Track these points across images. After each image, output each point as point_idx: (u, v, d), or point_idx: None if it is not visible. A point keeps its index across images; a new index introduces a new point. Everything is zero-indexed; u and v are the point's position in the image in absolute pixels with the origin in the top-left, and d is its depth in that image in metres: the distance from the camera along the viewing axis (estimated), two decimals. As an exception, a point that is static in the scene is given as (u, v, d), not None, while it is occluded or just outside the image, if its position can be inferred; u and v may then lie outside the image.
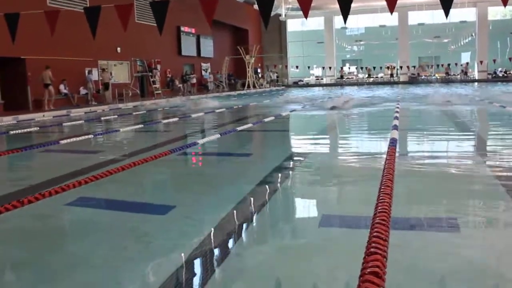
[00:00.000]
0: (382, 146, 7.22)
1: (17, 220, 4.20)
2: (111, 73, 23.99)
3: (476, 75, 43.45)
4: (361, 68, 48.06)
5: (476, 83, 38.29)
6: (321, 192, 5.01)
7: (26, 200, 4.36)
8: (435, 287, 2.71)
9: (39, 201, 4.43)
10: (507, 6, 7.79)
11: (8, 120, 14.99)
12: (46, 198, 4.56)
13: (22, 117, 15.97)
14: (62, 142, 9.08)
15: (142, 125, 12.57)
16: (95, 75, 23.38)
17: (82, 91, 22.52)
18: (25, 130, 12.16)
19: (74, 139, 9.55)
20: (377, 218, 2.98)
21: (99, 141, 9.98)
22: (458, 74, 43.38)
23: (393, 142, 6.80)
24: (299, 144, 8.74)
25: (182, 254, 3.27)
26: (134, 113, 17.25)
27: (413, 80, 43.24)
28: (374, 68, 45.96)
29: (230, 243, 3.56)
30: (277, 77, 45.58)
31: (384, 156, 5.74)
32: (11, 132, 11.68)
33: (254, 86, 38.58)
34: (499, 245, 3.28)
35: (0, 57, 18.27)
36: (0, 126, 13.51)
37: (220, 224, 3.87)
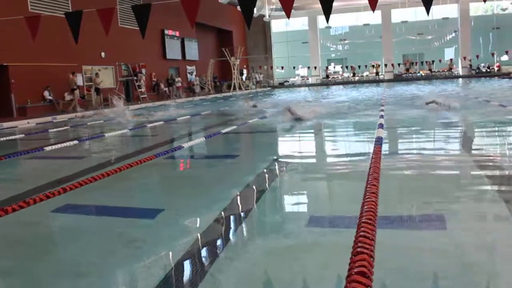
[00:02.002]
0: (368, 145, 7.24)
1: (2, 228, 4.16)
2: (95, 77, 23.84)
3: (460, 71, 43.83)
4: (346, 67, 48.28)
5: (460, 79, 38.55)
6: (308, 193, 5.03)
7: (10, 208, 4.31)
8: (423, 285, 2.73)
9: (25, 209, 4.39)
10: (488, 2, 7.84)
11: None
12: (31, 205, 4.52)
13: (6, 124, 15.81)
14: (47, 148, 9.00)
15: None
16: (79, 80, 23.21)
17: (67, 97, 22.35)
18: (9, 137, 12.04)
19: (59, 145, 9.48)
20: (364, 218, 2.99)
21: (83, 147, 9.92)
22: (442, 71, 43.70)
23: (378, 141, 6.84)
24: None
25: (172, 259, 3.26)
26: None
27: (398, 78, 43.51)
28: (359, 66, 46.16)
29: (219, 245, 3.56)
30: (263, 78, 45.60)
31: (370, 155, 5.78)
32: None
33: (240, 88, 38.57)
34: (486, 242, 3.31)
35: (-18, 65, 18.11)
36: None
37: (208, 228, 3.87)
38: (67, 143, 9.71)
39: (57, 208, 4.64)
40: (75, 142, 10.01)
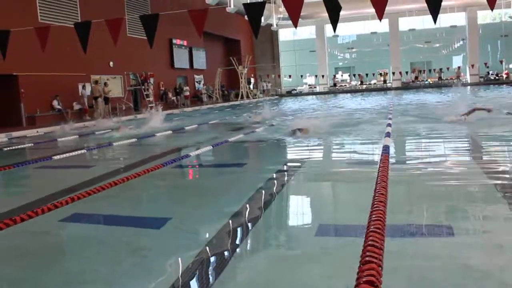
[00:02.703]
0: (375, 154, 7.21)
1: (11, 238, 4.17)
2: (104, 86, 23.96)
3: (468, 79, 43.67)
4: (354, 75, 48.25)
5: (469, 87, 38.36)
6: (317, 202, 5.01)
7: (18, 218, 4.33)
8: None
9: (33, 219, 4.40)
10: (496, 10, 7.83)
11: (1, 137, 14.93)
12: (39, 215, 4.53)
13: (15, 133, 15.91)
14: (55, 157, 9.05)
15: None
16: (88, 90, 23.37)
17: (76, 106, 22.48)
18: (19, 146, 12.11)
19: (68, 154, 9.52)
20: (372, 227, 2.97)
21: (90, 156, 9.96)
22: (450, 79, 43.53)
23: (386, 149, 6.81)
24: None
25: (179, 267, 3.25)
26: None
27: (406, 86, 43.40)
28: (366, 75, 46.13)
29: (227, 255, 3.54)
30: (271, 86, 45.64)
31: (378, 163, 5.75)
32: (4, 149, 11.64)
33: (248, 97, 38.63)
34: (495, 250, 3.28)
35: (-8, 75, 18.27)
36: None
37: (214, 237, 3.86)
38: (75, 152, 9.75)
39: (65, 218, 4.65)
40: (83, 151, 10.05)
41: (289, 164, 7.04)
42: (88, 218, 4.78)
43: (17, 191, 6.92)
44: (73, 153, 9.66)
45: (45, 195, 5.69)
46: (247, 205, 4.88)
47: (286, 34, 48.52)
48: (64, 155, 9.41)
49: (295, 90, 47.47)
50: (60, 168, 8.40)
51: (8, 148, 11.83)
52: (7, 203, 5.43)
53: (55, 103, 21.36)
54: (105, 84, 23.88)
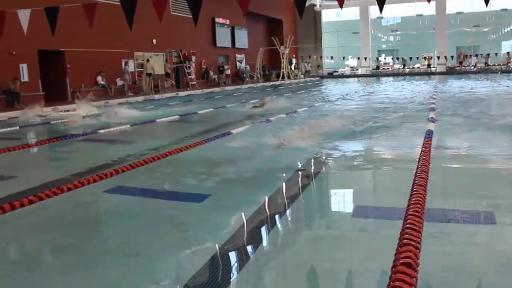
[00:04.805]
0: (417, 138, 7.10)
1: (57, 207, 4.34)
2: (146, 63, 24.29)
3: (517, 66, 42.13)
4: (397, 58, 47.26)
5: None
6: (355, 183, 5.00)
7: (65, 188, 4.51)
8: (469, 280, 2.69)
9: (79, 189, 4.57)
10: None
11: (48, 110, 15.38)
12: (85, 186, 4.71)
13: (61, 107, 16.35)
14: (101, 131, 9.30)
15: None
16: (131, 66, 23.78)
17: (119, 82, 22.91)
18: (64, 120, 12.46)
19: (112, 129, 9.77)
20: (411, 210, 2.97)
21: (134, 131, 10.17)
22: (498, 65, 42.04)
23: (429, 134, 6.72)
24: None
25: (217, 243, 3.31)
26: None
27: (452, 71, 42.24)
28: (410, 58, 45.06)
29: (264, 233, 3.60)
30: (311, 67, 45.22)
31: (420, 148, 5.69)
32: (52, 122, 12.01)
33: (289, 77, 38.44)
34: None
35: (40, 50, 18.75)
36: (41, 116, 13.86)
37: (254, 214, 3.92)
38: (120, 127, 9.99)
39: (109, 189, 4.81)
40: (128, 126, 10.28)
41: (329, 146, 7.01)
42: (131, 190, 4.91)
43: (64, 162, 7.16)
44: (118, 128, 9.90)
45: (89, 167, 5.87)
46: (286, 185, 4.91)
47: (329, 15, 47.82)
48: (109, 130, 9.66)
49: (337, 72, 46.89)
50: (105, 142, 8.65)
51: (55, 122, 12.19)
52: (54, 173, 5.63)
53: (99, 79, 21.82)
54: (148, 61, 24.22)
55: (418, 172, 3.97)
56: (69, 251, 3.35)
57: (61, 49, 19.67)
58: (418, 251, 2.42)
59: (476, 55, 42.77)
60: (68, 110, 15.26)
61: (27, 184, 4.99)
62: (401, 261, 2.25)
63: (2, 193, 4.59)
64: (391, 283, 2.10)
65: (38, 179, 5.26)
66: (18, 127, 10.60)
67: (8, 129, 10.23)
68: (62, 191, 4.44)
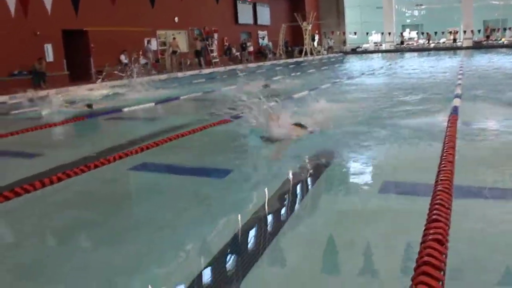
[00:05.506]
0: (443, 114, 6.97)
1: (85, 183, 4.41)
2: (172, 41, 24.31)
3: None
4: (422, 33, 46.33)
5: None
6: (381, 159, 4.94)
7: (92, 165, 4.56)
8: (499, 256, 2.64)
9: (105, 166, 4.63)
10: None
11: (73, 89, 15.53)
12: (111, 163, 4.76)
13: (85, 86, 16.50)
14: (125, 110, 9.37)
15: None
16: (153, 45, 23.82)
17: (142, 60, 22.99)
18: (90, 98, 12.57)
19: (136, 107, 9.83)
20: (440, 186, 2.93)
21: (158, 109, 10.23)
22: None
23: (455, 110, 6.61)
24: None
25: (242, 217, 3.33)
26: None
27: (478, 46, 41.23)
28: (435, 33, 44.12)
29: (289, 206, 3.60)
30: (334, 43, 44.66)
31: (446, 123, 5.59)
32: (76, 101, 12.13)
33: (312, 53, 38.07)
34: None
35: (64, 30, 18.88)
36: (66, 95, 14.00)
37: (278, 189, 3.91)
38: (144, 105, 10.05)
39: (134, 166, 4.85)
40: (152, 104, 10.34)
41: (355, 121, 6.92)
42: (156, 167, 4.95)
43: (89, 140, 7.24)
44: (142, 106, 9.97)
45: (115, 145, 5.93)
46: (311, 160, 4.89)
47: (352, -10, 47.02)
48: (133, 107, 9.72)
49: (360, 47, 46.21)
50: (129, 120, 8.71)
51: (79, 101, 12.31)
52: (81, 151, 5.68)
53: (122, 57, 21.91)
54: (174, 39, 24.29)
55: (446, 148, 3.91)
56: (96, 227, 3.40)
57: (85, 29, 19.77)
58: (447, 227, 2.39)
59: (504, 29, 41.62)
60: (92, 89, 15.40)
61: (55, 162, 5.06)
62: (431, 237, 2.22)
63: (31, 171, 4.67)
64: (421, 258, 2.08)
65: (65, 157, 5.33)
66: (44, 106, 10.72)
67: (34, 108, 10.35)
68: (89, 169, 4.50)
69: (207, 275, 2.57)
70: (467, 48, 40.62)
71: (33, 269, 2.81)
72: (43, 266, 2.83)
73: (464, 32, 42.52)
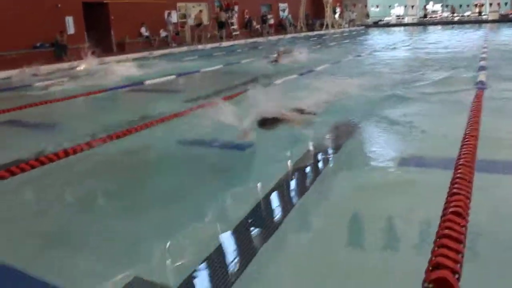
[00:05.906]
0: (468, 88, 6.86)
1: (107, 154, 4.47)
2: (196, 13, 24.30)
3: None
4: (446, 6, 45.26)
5: None
6: (402, 132, 4.90)
7: (114, 136, 4.62)
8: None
9: (127, 137, 4.68)
10: None
11: (94, 62, 15.60)
12: (132, 134, 4.81)
13: (107, 59, 16.57)
14: (147, 82, 9.41)
15: None
16: (174, 17, 23.75)
17: (162, 33, 22.95)
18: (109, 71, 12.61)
19: (157, 80, 9.86)
20: (462, 160, 2.91)
21: (179, 82, 10.25)
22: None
23: (480, 85, 6.50)
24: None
25: (262, 189, 3.36)
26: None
27: (505, 19, 40.15)
28: (460, 6, 43.11)
29: (309, 179, 3.61)
30: (356, 16, 43.95)
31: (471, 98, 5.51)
32: (98, 74, 12.19)
33: (333, 26, 37.55)
34: None
35: (85, 3, 18.92)
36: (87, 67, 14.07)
37: (298, 161, 3.93)
38: (165, 78, 10.08)
39: (155, 138, 4.89)
40: (173, 76, 10.37)
41: (376, 94, 6.84)
42: (176, 139, 4.96)
43: (111, 112, 7.30)
44: (163, 78, 10.00)
45: (136, 117, 5.95)
46: (330, 132, 4.88)
47: (376, -39, 46.01)
48: (154, 80, 9.76)
49: (382, 20, 45.39)
50: (151, 92, 8.76)
51: (100, 73, 12.37)
52: (102, 122, 5.74)
53: (142, 30, 21.90)
54: (200, 11, 24.29)
55: (470, 122, 3.86)
56: (118, 197, 3.46)
57: (105, 1, 19.79)
58: (468, 200, 2.38)
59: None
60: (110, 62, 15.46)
61: (75, 133, 5.11)
62: (451, 210, 2.22)
63: (53, 142, 4.73)
64: (440, 230, 2.08)
65: (87, 128, 5.38)
66: (66, 78, 10.81)
67: (57, 80, 10.45)
68: (111, 139, 4.56)
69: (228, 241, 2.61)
70: (493, 21, 39.58)
71: (59, 236, 2.88)
72: (68, 233, 2.91)
73: (490, 4, 41.35)
